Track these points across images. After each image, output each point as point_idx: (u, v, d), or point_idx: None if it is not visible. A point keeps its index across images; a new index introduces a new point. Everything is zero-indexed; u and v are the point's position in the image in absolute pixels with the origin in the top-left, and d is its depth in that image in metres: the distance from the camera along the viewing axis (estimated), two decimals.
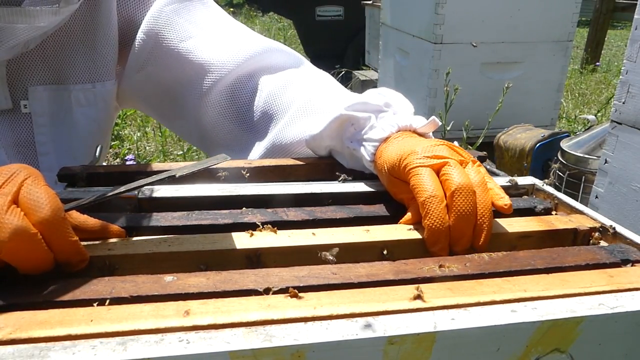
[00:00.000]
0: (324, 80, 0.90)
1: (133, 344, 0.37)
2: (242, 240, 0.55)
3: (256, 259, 0.54)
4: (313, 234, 0.57)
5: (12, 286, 0.45)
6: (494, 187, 0.60)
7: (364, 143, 0.72)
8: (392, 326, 0.40)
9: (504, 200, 0.59)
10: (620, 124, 1.36)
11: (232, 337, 0.39)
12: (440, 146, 0.61)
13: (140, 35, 0.88)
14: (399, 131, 0.69)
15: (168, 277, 0.47)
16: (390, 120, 0.70)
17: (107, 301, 0.44)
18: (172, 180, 0.55)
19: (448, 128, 2.35)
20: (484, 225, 0.56)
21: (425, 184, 0.57)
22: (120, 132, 3.59)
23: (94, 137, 0.91)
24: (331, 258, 0.53)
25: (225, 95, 0.90)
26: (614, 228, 0.61)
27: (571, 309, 0.44)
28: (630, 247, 0.57)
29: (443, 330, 0.40)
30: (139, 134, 3.63)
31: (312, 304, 0.43)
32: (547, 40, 2.85)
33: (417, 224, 0.59)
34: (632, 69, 1.32)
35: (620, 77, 1.36)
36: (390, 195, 0.67)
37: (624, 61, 1.34)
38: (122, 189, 0.56)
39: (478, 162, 0.62)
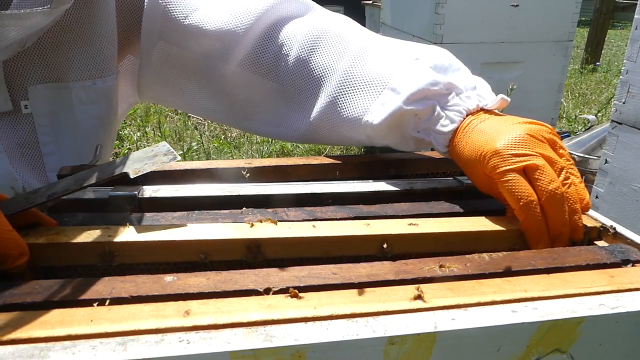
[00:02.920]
0: (351, 32, 0.83)
1: (133, 344, 0.37)
2: (242, 231, 0.55)
3: (256, 249, 0.54)
4: (313, 226, 0.57)
5: (12, 286, 0.45)
6: (577, 182, 0.61)
7: (432, 134, 0.70)
8: (393, 326, 0.40)
9: (585, 200, 0.61)
10: (620, 123, 1.36)
11: (232, 337, 0.39)
12: (521, 140, 0.60)
13: (145, 20, 0.86)
14: (468, 115, 0.68)
15: (168, 277, 0.47)
16: (456, 107, 0.68)
17: (107, 301, 0.44)
18: (125, 179, 0.55)
19: None
20: (578, 222, 0.59)
21: (519, 189, 0.58)
22: (120, 132, 3.59)
23: (98, 135, 0.89)
24: None
25: (248, 61, 0.86)
26: (614, 228, 0.61)
27: (572, 309, 0.44)
28: (631, 247, 0.57)
29: (443, 330, 0.40)
30: (139, 134, 3.63)
31: (313, 304, 0.43)
32: (547, 40, 2.85)
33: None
34: (632, 68, 1.32)
35: (621, 77, 1.36)
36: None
37: (624, 61, 1.34)
38: (77, 187, 0.56)
39: (563, 147, 0.62)
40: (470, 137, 0.65)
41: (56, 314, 0.41)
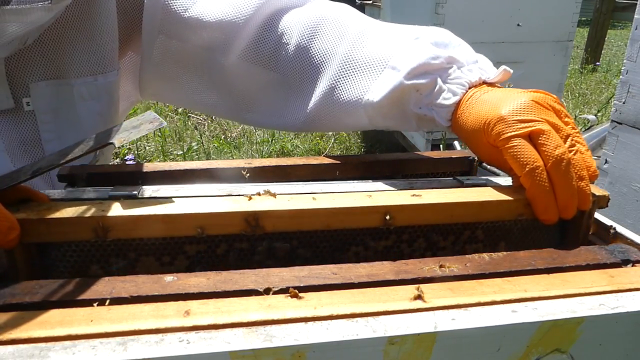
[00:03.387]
0: (350, 18, 0.83)
1: (133, 344, 0.37)
2: (240, 204, 0.54)
3: (255, 222, 0.53)
4: (313, 198, 0.55)
5: (12, 286, 0.45)
6: (584, 150, 0.60)
7: (434, 108, 0.69)
8: (393, 326, 0.40)
9: (593, 168, 0.59)
10: (620, 123, 1.36)
11: (232, 337, 0.39)
12: (526, 106, 0.59)
13: (146, 14, 0.86)
14: (470, 88, 0.67)
15: (168, 277, 0.47)
16: (458, 80, 0.67)
17: (107, 301, 0.44)
18: (112, 148, 0.54)
19: None
20: (586, 189, 0.57)
21: (525, 155, 0.56)
22: None
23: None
24: None
25: (248, 52, 0.85)
26: (614, 228, 0.61)
27: (572, 309, 0.44)
28: (631, 247, 0.57)
29: (443, 330, 0.40)
30: None
31: (313, 304, 0.43)
32: (547, 40, 2.85)
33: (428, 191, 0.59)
34: (632, 68, 1.32)
35: (621, 77, 1.36)
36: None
37: (624, 61, 1.34)
38: (61, 161, 0.54)
39: (568, 116, 0.61)
40: (474, 108, 0.64)
41: (56, 314, 0.41)
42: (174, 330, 0.39)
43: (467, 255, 0.53)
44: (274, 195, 0.55)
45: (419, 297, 0.44)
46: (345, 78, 0.77)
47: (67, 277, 0.52)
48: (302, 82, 0.84)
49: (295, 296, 0.44)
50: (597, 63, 6.17)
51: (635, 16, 1.31)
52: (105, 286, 0.45)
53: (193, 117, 4.13)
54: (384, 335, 0.39)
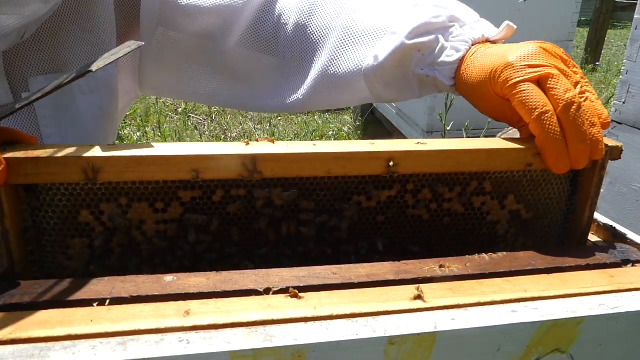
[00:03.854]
0: None
1: (133, 344, 0.37)
2: (237, 148, 0.52)
3: (252, 166, 0.51)
4: (314, 144, 0.54)
5: (12, 286, 0.45)
6: (594, 99, 0.58)
7: (437, 67, 0.67)
8: (393, 326, 0.40)
9: (604, 115, 0.57)
10: (620, 123, 1.36)
11: (232, 337, 0.39)
12: (535, 52, 0.57)
13: (144, 6, 0.86)
14: (474, 45, 0.65)
15: (168, 277, 0.47)
16: (461, 37, 0.66)
17: (107, 301, 0.44)
18: (90, 73, 0.51)
19: (448, 128, 2.35)
20: (598, 136, 0.54)
21: (534, 99, 0.54)
22: (120, 132, 3.59)
23: (100, 126, 0.87)
24: None
25: (248, 37, 0.85)
26: (614, 228, 0.61)
27: (572, 309, 0.44)
28: (631, 247, 0.57)
29: (443, 330, 0.40)
30: (139, 134, 3.63)
31: (313, 304, 0.43)
32: (547, 40, 2.84)
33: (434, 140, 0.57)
34: (632, 68, 1.32)
35: (620, 77, 1.36)
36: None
37: (624, 61, 1.35)
38: (38, 94, 0.53)
39: (576, 67, 0.59)
40: (479, 61, 0.62)
41: (56, 314, 0.41)
42: (174, 330, 0.39)
43: (467, 256, 0.53)
44: (272, 141, 0.53)
45: (419, 297, 0.44)
46: (344, 49, 0.75)
47: (56, 223, 0.51)
48: (302, 61, 0.83)
49: (295, 296, 0.44)
50: (597, 63, 6.18)
51: (635, 16, 1.31)
52: (105, 286, 0.45)
53: (193, 117, 4.13)
54: (384, 335, 0.39)
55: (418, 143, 0.55)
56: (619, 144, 0.59)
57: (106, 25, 0.86)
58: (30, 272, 0.52)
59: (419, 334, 0.40)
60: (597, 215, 0.64)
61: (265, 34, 0.84)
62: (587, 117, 0.54)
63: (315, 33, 0.80)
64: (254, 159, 0.51)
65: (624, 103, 1.34)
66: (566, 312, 0.43)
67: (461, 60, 0.65)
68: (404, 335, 0.40)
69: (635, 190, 1.34)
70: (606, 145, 0.57)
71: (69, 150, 0.49)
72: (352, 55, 0.75)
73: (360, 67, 0.73)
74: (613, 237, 0.61)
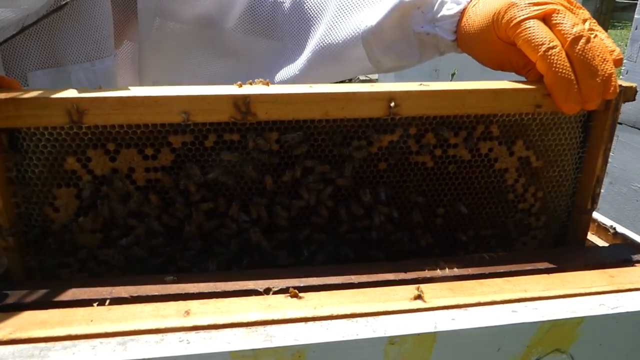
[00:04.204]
0: None
1: (133, 344, 0.37)
2: (229, 89, 0.50)
3: (245, 107, 0.49)
4: (310, 86, 0.52)
5: (12, 286, 0.45)
6: (604, 37, 0.55)
7: (437, 23, 0.66)
8: (393, 326, 0.40)
9: (616, 52, 0.54)
10: (620, 124, 1.36)
11: (232, 337, 0.39)
12: None
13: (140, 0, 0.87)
14: None
15: (168, 277, 0.47)
16: None
17: (107, 301, 0.44)
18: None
19: None
20: (610, 71, 0.52)
21: (540, 36, 0.52)
22: None
23: None
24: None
25: (245, 21, 0.85)
26: (614, 228, 0.61)
27: (572, 309, 0.44)
28: (631, 247, 0.57)
29: (443, 330, 0.40)
30: None
31: (313, 304, 0.43)
32: None
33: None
34: (632, 69, 1.32)
35: (620, 77, 1.36)
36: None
37: (624, 61, 1.35)
38: (16, 32, 0.52)
39: (582, 8, 0.57)
40: (481, 9, 0.61)
41: (56, 314, 0.41)
42: (174, 330, 0.39)
43: (467, 256, 0.53)
44: (267, 84, 0.51)
45: (419, 297, 0.44)
46: (341, 18, 0.75)
47: (41, 170, 0.49)
48: (299, 38, 0.83)
49: (295, 296, 0.44)
50: None
51: (635, 16, 1.31)
52: (105, 286, 0.45)
53: None
54: (384, 335, 0.39)
55: (420, 84, 0.53)
56: (634, 85, 0.56)
57: (103, 18, 0.86)
58: (18, 226, 0.50)
59: (418, 334, 0.40)
60: (597, 215, 0.64)
61: (262, 16, 0.84)
62: (597, 53, 0.52)
63: (312, 8, 0.80)
64: (247, 99, 0.48)
65: (624, 103, 1.34)
66: (566, 312, 0.43)
67: (462, 13, 0.64)
68: (404, 335, 0.40)
69: (635, 190, 1.34)
70: (620, 86, 0.54)
71: (53, 91, 0.47)
72: (350, 22, 0.74)
73: (358, 31, 0.72)
74: (613, 237, 0.61)
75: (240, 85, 0.50)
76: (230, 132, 0.51)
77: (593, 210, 0.60)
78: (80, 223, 0.51)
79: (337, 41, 0.76)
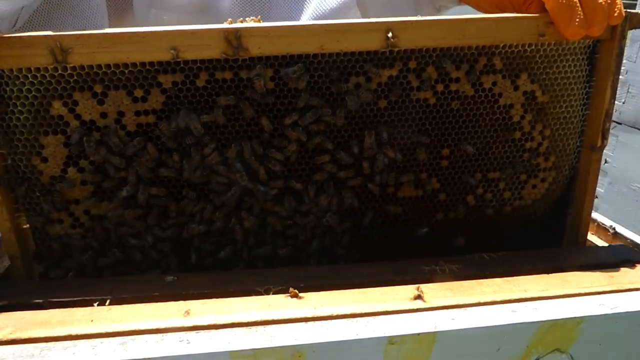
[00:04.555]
0: None
1: (133, 344, 0.37)
2: (219, 25, 0.48)
3: (237, 42, 0.47)
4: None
5: (12, 286, 0.45)
6: None
7: None
8: (393, 326, 0.40)
9: None
10: (620, 124, 1.36)
11: (232, 337, 0.39)
12: None
13: None
14: None
15: (168, 277, 0.47)
16: None
17: (108, 301, 0.44)
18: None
19: None
20: None
21: None
22: None
23: None
24: None
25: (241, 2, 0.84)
26: (614, 228, 0.61)
27: (572, 309, 0.44)
28: (630, 247, 0.57)
29: (443, 330, 0.40)
30: None
31: (313, 304, 0.43)
32: None
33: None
34: (632, 69, 1.32)
35: (620, 77, 1.36)
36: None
37: (624, 61, 1.34)
38: None
39: None
40: None
41: (56, 314, 0.41)
42: (174, 330, 0.39)
43: (467, 256, 0.53)
44: (258, 20, 0.50)
45: (419, 297, 0.44)
46: None
47: (27, 118, 0.47)
48: (295, 13, 0.82)
49: (295, 296, 0.44)
50: None
51: None
52: (105, 286, 0.46)
53: None
54: (384, 335, 0.39)
55: (418, 16, 0.51)
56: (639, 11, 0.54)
57: (97, 11, 0.86)
58: (4, 179, 0.49)
59: (418, 334, 0.40)
60: (597, 215, 0.64)
61: None
62: None
63: None
64: (238, 33, 0.47)
65: (623, 103, 1.34)
66: (566, 312, 0.43)
67: None
68: (403, 335, 0.40)
69: (635, 190, 1.34)
70: (625, 11, 0.52)
71: (35, 33, 0.45)
72: None
73: None
74: (613, 237, 0.61)
75: (231, 22, 0.48)
76: (222, 70, 0.49)
77: (604, 148, 0.57)
78: (69, 174, 0.49)
79: (331, 5, 0.75)
